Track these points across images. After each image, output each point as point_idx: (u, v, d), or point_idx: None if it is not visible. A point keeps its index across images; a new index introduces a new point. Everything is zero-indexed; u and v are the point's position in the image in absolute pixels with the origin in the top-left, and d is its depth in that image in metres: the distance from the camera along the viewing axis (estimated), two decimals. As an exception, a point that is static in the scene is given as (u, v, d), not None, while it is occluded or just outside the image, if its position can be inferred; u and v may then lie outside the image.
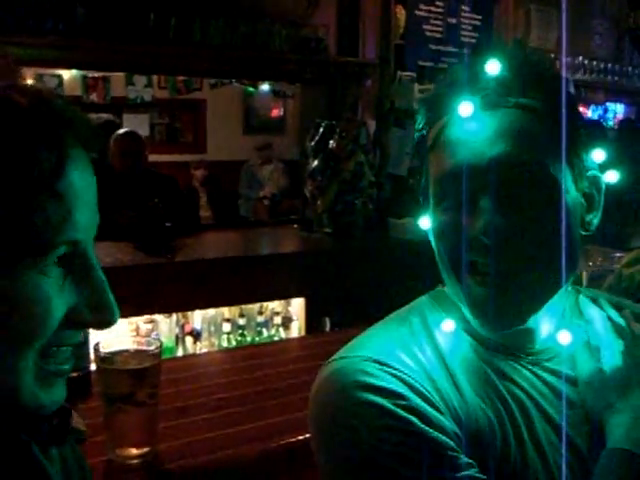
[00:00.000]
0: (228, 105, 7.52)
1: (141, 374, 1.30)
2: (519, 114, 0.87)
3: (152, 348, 1.35)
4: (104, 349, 1.32)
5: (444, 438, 0.84)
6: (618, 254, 2.75)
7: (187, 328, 3.30)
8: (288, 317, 3.50)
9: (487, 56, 0.89)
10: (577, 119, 0.92)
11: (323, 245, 3.65)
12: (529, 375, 0.93)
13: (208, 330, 3.34)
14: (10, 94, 0.61)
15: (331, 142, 3.68)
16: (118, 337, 1.41)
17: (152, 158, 4.48)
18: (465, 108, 0.87)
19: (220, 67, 4.22)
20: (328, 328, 3.20)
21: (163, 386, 1.39)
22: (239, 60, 4.06)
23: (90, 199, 0.65)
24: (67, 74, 5.87)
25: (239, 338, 3.32)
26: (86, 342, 1.43)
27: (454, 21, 4.56)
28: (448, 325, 0.95)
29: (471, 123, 0.87)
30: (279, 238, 4.01)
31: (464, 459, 0.83)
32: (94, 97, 6.13)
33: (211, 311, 3.32)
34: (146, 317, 3.06)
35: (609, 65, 5.89)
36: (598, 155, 0.95)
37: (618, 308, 1.01)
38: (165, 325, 3.21)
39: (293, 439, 1.43)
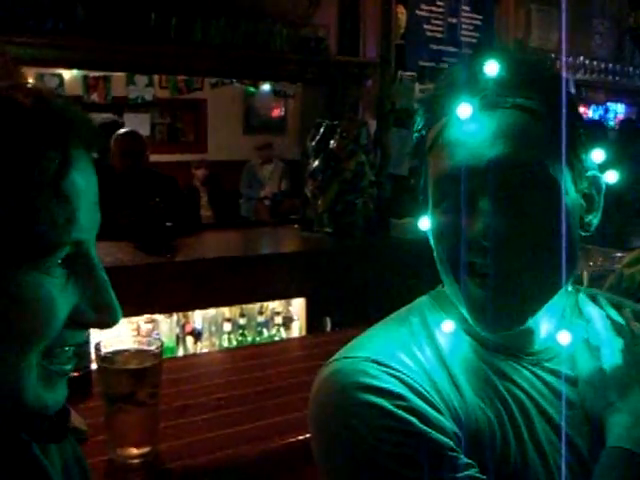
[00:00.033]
0: (229, 105, 7.53)
1: (142, 374, 1.30)
2: (518, 115, 0.86)
3: (153, 348, 1.35)
4: (105, 349, 1.32)
5: (444, 439, 0.84)
6: (619, 254, 2.75)
7: (188, 328, 3.30)
8: (289, 317, 3.50)
9: (486, 57, 0.89)
10: (577, 119, 0.92)
11: (324, 245, 3.65)
12: (529, 375, 0.93)
13: (209, 330, 3.34)
14: (12, 94, 0.61)
15: (332, 142, 3.68)
16: (119, 337, 1.41)
17: (153, 158, 4.48)
18: (464, 109, 0.86)
19: (221, 67, 4.23)
20: (329, 328, 3.20)
21: (164, 386, 1.39)
22: (240, 60, 4.06)
23: (92, 199, 0.66)
24: (68, 74, 5.86)
25: (240, 338, 3.32)
26: (87, 342, 1.43)
27: (455, 21, 4.56)
28: (448, 325, 0.95)
29: (470, 124, 0.87)
30: (280, 238, 4.01)
31: (464, 459, 0.83)
32: (95, 97, 6.13)
33: (212, 311, 3.32)
34: (147, 317, 3.06)
35: (610, 65, 5.89)
36: (598, 155, 0.94)
37: (617, 307, 1.01)
38: (166, 325, 3.21)
39: (293, 439, 1.43)
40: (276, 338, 3.40)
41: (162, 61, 3.92)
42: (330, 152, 3.67)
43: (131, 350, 1.35)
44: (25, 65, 3.44)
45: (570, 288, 0.99)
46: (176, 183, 4.29)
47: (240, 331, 3.33)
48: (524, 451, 0.88)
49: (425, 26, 4.46)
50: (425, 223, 0.96)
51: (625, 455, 0.83)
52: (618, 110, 6.82)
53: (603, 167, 0.96)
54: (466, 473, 0.82)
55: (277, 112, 8.08)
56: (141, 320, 3.04)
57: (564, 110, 0.85)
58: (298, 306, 3.48)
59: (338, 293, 3.28)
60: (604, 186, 0.95)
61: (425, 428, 0.83)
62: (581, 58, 5.63)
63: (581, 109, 5.49)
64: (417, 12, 4.42)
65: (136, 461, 1.33)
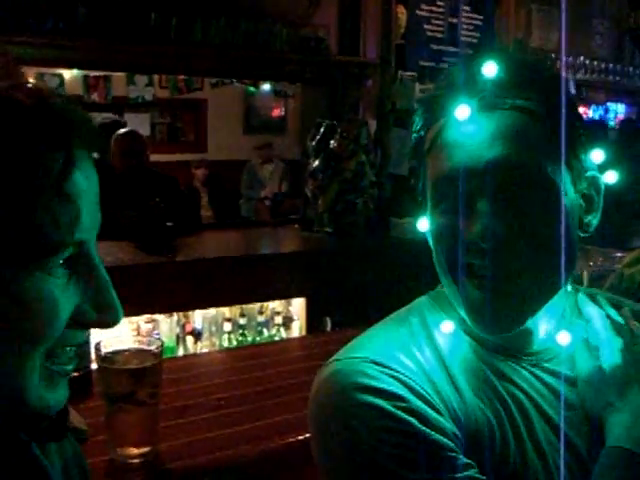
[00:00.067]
0: (229, 105, 7.53)
1: (142, 374, 1.31)
2: (517, 116, 0.86)
3: (153, 348, 1.35)
4: (105, 348, 1.33)
5: (443, 439, 0.84)
6: (619, 254, 2.75)
7: (188, 328, 3.30)
8: (289, 317, 3.50)
9: (484, 58, 0.88)
10: (576, 120, 0.91)
11: (324, 245, 3.65)
12: (528, 376, 0.93)
13: (209, 330, 3.34)
14: (13, 94, 0.61)
15: (332, 142, 3.68)
16: (119, 337, 1.41)
17: (153, 158, 4.48)
18: (462, 111, 0.86)
19: (221, 67, 4.22)
20: (329, 328, 3.20)
21: (164, 386, 1.39)
22: (240, 60, 4.06)
23: (94, 199, 0.66)
24: (68, 74, 5.86)
25: (240, 338, 3.32)
26: (87, 342, 1.43)
27: (455, 21, 4.55)
28: (447, 326, 0.95)
29: (468, 125, 0.86)
30: (280, 238, 4.01)
31: (463, 460, 0.83)
32: (95, 97, 6.12)
33: (212, 311, 3.32)
34: (147, 317, 3.06)
35: (610, 65, 5.89)
36: (597, 155, 0.94)
37: (617, 306, 1.01)
38: (166, 325, 3.21)
39: (293, 439, 1.44)
40: (276, 338, 3.40)
41: (162, 61, 3.92)
42: (330, 152, 3.67)
43: (131, 350, 1.35)
44: (25, 65, 3.45)
45: (570, 288, 0.99)
46: (176, 183, 4.29)
47: (240, 331, 3.33)
48: (523, 451, 0.88)
49: (425, 26, 4.46)
50: (424, 224, 0.95)
51: (625, 455, 0.83)
52: (618, 110, 6.82)
53: (603, 167, 0.95)
54: (465, 473, 0.82)
55: (277, 112, 8.08)
56: (141, 320, 3.04)
57: (563, 111, 0.85)
58: (298, 306, 3.48)
59: (338, 293, 3.28)
60: (603, 186, 0.95)
61: (425, 429, 0.83)
62: (581, 58, 5.63)
63: (581, 109, 5.49)
64: (417, 12, 4.42)
65: (136, 461, 1.33)
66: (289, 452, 1.43)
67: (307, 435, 0.92)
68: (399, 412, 0.84)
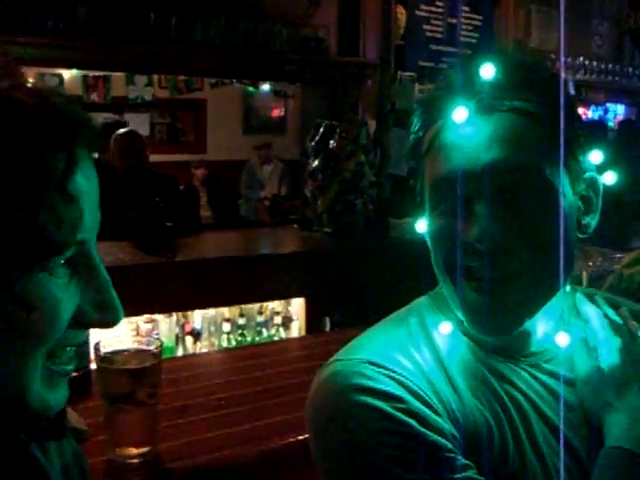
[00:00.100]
0: (229, 105, 7.53)
1: (141, 374, 1.30)
2: (514, 118, 0.86)
3: (152, 348, 1.35)
4: (104, 349, 1.32)
5: (442, 440, 0.83)
6: (618, 255, 2.75)
7: (187, 328, 3.30)
8: (288, 317, 3.50)
9: (482, 59, 0.88)
10: (575, 121, 0.91)
11: (323, 245, 3.65)
12: (527, 377, 0.93)
13: (208, 330, 3.34)
14: (14, 93, 0.61)
15: (331, 142, 3.68)
16: (118, 337, 1.41)
17: (153, 158, 4.48)
18: (459, 113, 0.86)
19: (221, 67, 4.22)
20: (328, 328, 3.20)
21: (163, 386, 1.39)
22: (240, 60, 4.06)
23: (94, 199, 0.66)
24: (67, 74, 5.87)
25: (239, 338, 3.32)
26: (86, 342, 1.43)
27: (454, 21, 4.56)
28: (446, 327, 0.95)
29: (466, 128, 0.86)
30: (279, 238, 4.01)
31: (462, 461, 0.83)
32: (94, 97, 6.13)
33: (211, 311, 3.32)
34: (146, 317, 3.06)
35: (609, 65, 5.89)
36: (596, 156, 0.93)
37: (615, 306, 1.01)
38: (165, 325, 3.21)
39: (293, 439, 1.44)
40: (275, 338, 3.41)
41: (162, 61, 3.92)
42: (330, 152, 3.67)
43: (130, 350, 1.35)
44: (25, 65, 3.45)
45: (568, 289, 0.99)
46: (176, 183, 4.28)
47: (239, 331, 3.33)
48: (522, 452, 0.88)
49: (425, 26, 4.46)
50: (422, 225, 0.95)
51: (624, 455, 0.83)
52: (618, 111, 6.83)
53: (602, 168, 0.95)
54: (464, 474, 0.82)
55: (277, 112, 8.08)
56: (140, 320, 3.05)
57: (562, 113, 0.84)
58: (297, 306, 3.48)
59: (337, 293, 3.28)
60: (602, 188, 0.95)
61: (423, 430, 0.83)
62: (581, 59, 5.63)
63: (580, 110, 5.49)
64: (417, 12, 4.42)
65: (136, 461, 1.33)
66: (289, 452, 1.43)
67: (307, 435, 0.92)
68: (398, 413, 0.84)
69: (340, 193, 3.67)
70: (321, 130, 3.73)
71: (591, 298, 1.03)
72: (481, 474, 0.84)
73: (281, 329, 3.46)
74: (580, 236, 0.94)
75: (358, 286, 3.29)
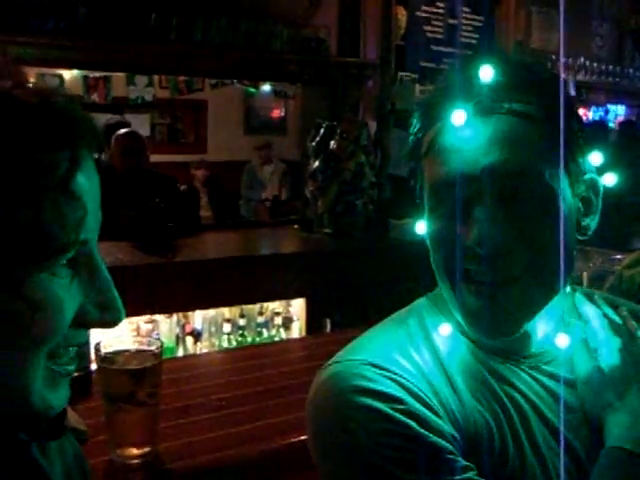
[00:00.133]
0: (229, 105, 7.53)
1: (142, 374, 1.31)
2: (514, 120, 0.85)
3: (153, 348, 1.35)
4: (105, 349, 1.33)
5: (442, 442, 0.83)
6: (618, 256, 2.75)
7: (188, 328, 3.31)
8: (289, 317, 3.50)
9: (481, 61, 0.87)
10: (575, 122, 0.90)
11: (323, 246, 3.65)
12: (527, 378, 0.93)
13: (209, 330, 3.34)
14: (17, 93, 0.61)
15: (332, 143, 3.68)
16: (119, 337, 1.41)
17: (153, 158, 4.48)
18: (458, 116, 0.85)
19: (221, 67, 4.22)
20: (329, 329, 3.20)
21: (164, 386, 1.39)
22: (240, 60, 4.06)
23: (96, 199, 0.66)
24: (68, 74, 5.86)
25: (239, 338, 3.32)
26: (87, 342, 1.43)
27: (455, 22, 4.56)
28: (446, 328, 0.94)
29: (465, 130, 0.86)
30: (279, 238, 4.01)
31: (462, 462, 0.83)
32: (95, 97, 6.12)
33: (212, 311, 3.32)
34: (147, 317, 3.06)
35: (610, 67, 5.89)
36: (596, 158, 0.93)
37: (614, 306, 1.01)
38: (166, 325, 3.21)
39: (294, 439, 1.44)
40: (276, 339, 3.41)
41: (162, 61, 3.92)
42: (330, 153, 3.67)
43: (131, 350, 1.35)
44: (26, 65, 3.45)
45: (568, 289, 0.99)
46: (176, 183, 4.29)
47: (240, 332, 3.33)
48: (522, 454, 0.87)
49: (425, 27, 4.46)
50: (422, 227, 0.95)
51: (624, 455, 0.83)
52: (618, 112, 6.83)
53: (602, 169, 0.95)
54: (464, 476, 0.82)
55: (277, 113, 8.08)
56: (141, 320, 3.05)
57: (562, 115, 0.84)
58: (298, 307, 3.48)
59: (338, 294, 3.29)
60: (602, 189, 0.94)
61: (423, 431, 0.83)
62: (581, 59, 5.64)
63: (581, 110, 5.49)
64: (417, 13, 4.43)
65: (136, 461, 1.33)
66: (290, 452, 1.43)
67: (307, 436, 0.92)
68: (397, 414, 0.84)
69: (340, 194, 3.67)
70: (321, 131, 3.73)
71: (591, 298, 1.03)
72: (481, 475, 0.84)
73: (281, 330, 3.46)
74: (580, 238, 0.93)
75: (358, 287, 3.29)
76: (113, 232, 2.98)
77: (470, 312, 0.89)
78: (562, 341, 0.93)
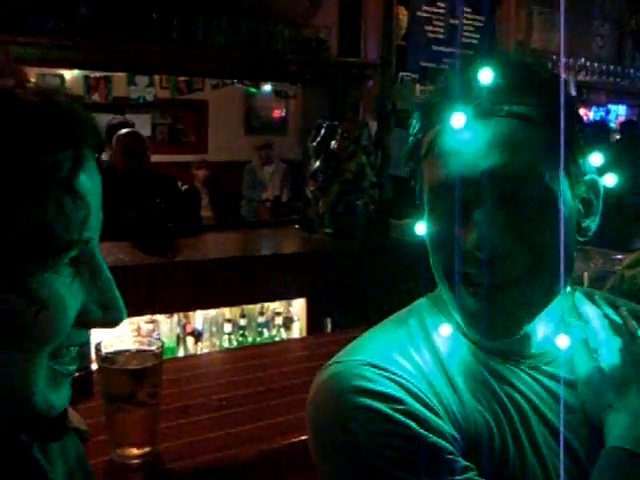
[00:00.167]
0: (230, 105, 7.52)
1: (142, 374, 1.31)
2: (513, 123, 0.85)
3: (153, 348, 1.35)
4: (105, 349, 1.33)
5: (442, 442, 0.83)
6: (619, 256, 2.75)
7: (188, 328, 3.31)
8: (289, 318, 3.50)
9: (480, 62, 0.87)
10: (575, 123, 0.90)
11: (324, 246, 3.65)
12: (527, 379, 0.93)
13: (209, 330, 3.34)
14: (19, 92, 0.61)
15: (333, 143, 3.68)
16: (119, 337, 1.41)
17: (154, 158, 4.48)
18: (457, 119, 0.84)
19: (222, 67, 4.23)
20: (329, 329, 3.20)
21: (164, 386, 1.39)
22: (241, 60, 4.06)
23: (97, 199, 0.66)
24: (69, 74, 5.86)
25: (240, 339, 3.33)
26: (87, 342, 1.43)
27: (456, 22, 4.56)
28: (446, 328, 0.94)
29: (464, 133, 0.85)
30: (280, 239, 4.01)
31: (462, 462, 0.83)
32: (96, 97, 6.12)
33: (212, 311, 3.32)
34: (147, 317, 3.06)
35: (611, 67, 5.90)
36: (596, 159, 0.92)
37: (614, 306, 1.01)
38: (166, 325, 3.21)
39: (295, 439, 1.44)
40: (277, 339, 3.41)
41: (163, 61, 3.92)
42: (331, 153, 3.67)
43: (132, 350, 1.35)
44: (27, 65, 3.44)
45: (568, 289, 0.98)
46: (176, 183, 4.29)
47: (241, 332, 3.33)
48: (522, 454, 0.87)
49: (426, 27, 4.46)
50: (421, 228, 0.95)
51: (624, 455, 0.83)
52: (619, 112, 6.83)
53: (603, 169, 0.94)
54: (464, 476, 0.82)
55: (278, 113, 8.08)
56: (142, 320, 3.05)
57: (562, 116, 0.83)
58: (299, 307, 3.48)
59: (339, 294, 3.29)
60: (602, 189, 0.94)
61: (423, 432, 0.83)
62: (582, 60, 5.64)
63: (582, 110, 5.49)
64: (418, 13, 4.43)
65: (136, 461, 1.33)
66: (290, 452, 1.43)
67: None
68: (397, 415, 0.84)
69: (341, 194, 3.67)
70: (322, 131, 3.73)
71: (591, 298, 1.02)
72: (481, 476, 0.84)
73: (282, 330, 3.46)
74: (580, 239, 0.93)
75: (359, 287, 3.29)
76: (114, 232, 2.98)
77: (469, 314, 0.89)
78: (562, 342, 0.93)
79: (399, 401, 0.85)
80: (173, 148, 7.44)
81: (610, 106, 6.64)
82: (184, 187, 5.00)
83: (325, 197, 3.68)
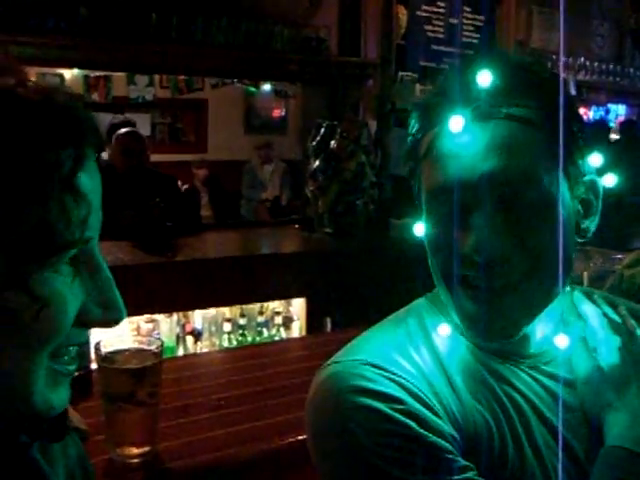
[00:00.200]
0: (229, 105, 7.52)
1: (142, 373, 1.30)
2: (512, 125, 0.84)
3: (153, 347, 1.35)
4: (105, 348, 1.33)
5: (442, 442, 0.83)
6: (619, 255, 2.75)
7: (188, 328, 3.31)
8: (289, 317, 3.50)
9: (479, 63, 0.86)
10: (575, 124, 0.89)
11: (324, 245, 3.65)
12: (527, 378, 0.93)
13: (209, 330, 3.34)
14: (20, 91, 0.61)
15: (332, 142, 3.68)
16: (119, 336, 1.41)
17: (154, 158, 4.47)
18: (455, 122, 0.84)
19: (222, 67, 4.23)
20: (329, 328, 3.20)
21: (164, 385, 1.39)
22: (241, 60, 4.06)
23: (97, 198, 0.66)
24: (68, 73, 5.86)
25: (240, 338, 3.33)
26: (87, 341, 1.43)
27: (456, 22, 4.56)
28: (445, 328, 0.94)
29: (462, 136, 0.84)
30: (280, 238, 4.01)
31: (461, 462, 0.83)
32: (96, 96, 6.13)
33: (212, 311, 3.32)
34: (147, 316, 3.06)
35: (611, 66, 5.90)
36: (596, 159, 0.92)
37: (613, 305, 1.00)
38: (166, 325, 3.21)
39: (294, 439, 1.44)
40: (276, 338, 3.41)
41: (163, 61, 3.92)
42: (331, 152, 3.67)
43: (131, 350, 1.35)
44: (26, 64, 3.44)
45: (567, 289, 0.98)
46: (176, 182, 4.29)
47: (240, 331, 3.33)
48: (522, 454, 0.87)
49: (426, 27, 4.46)
50: (420, 228, 0.95)
51: (624, 454, 0.83)
52: (619, 111, 6.83)
53: (603, 169, 0.94)
54: (464, 476, 0.82)
55: (278, 112, 8.08)
56: (141, 320, 3.05)
57: (562, 117, 0.83)
58: (298, 306, 3.48)
59: (338, 293, 3.29)
60: (602, 190, 0.94)
61: (423, 431, 0.83)
62: (582, 59, 5.64)
63: (582, 110, 5.49)
64: (418, 13, 4.43)
65: (136, 461, 1.33)
66: (289, 452, 1.43)
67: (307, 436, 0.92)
68: (397, 414, 0.84)
69: (341, 193, 3.67)
70: (322, 130, 3.73)
71: (590, 297, 1.02)
72: (481, 475, 0.84)
73: (282, 329, 3.46)
74: (579, 240, 0.92)
75: (359, 286, 3.29)
76: (114, 231, 2.98)
77: (468, 316, 0.89)
78: (561, 341, 0.93)
79: (399, 401, 0.85)
80: (173, 147, 7.44)
81: (610, 105, 6.64)
82: (184, 186, 5.01)
83: (325, 197, 3.68)
